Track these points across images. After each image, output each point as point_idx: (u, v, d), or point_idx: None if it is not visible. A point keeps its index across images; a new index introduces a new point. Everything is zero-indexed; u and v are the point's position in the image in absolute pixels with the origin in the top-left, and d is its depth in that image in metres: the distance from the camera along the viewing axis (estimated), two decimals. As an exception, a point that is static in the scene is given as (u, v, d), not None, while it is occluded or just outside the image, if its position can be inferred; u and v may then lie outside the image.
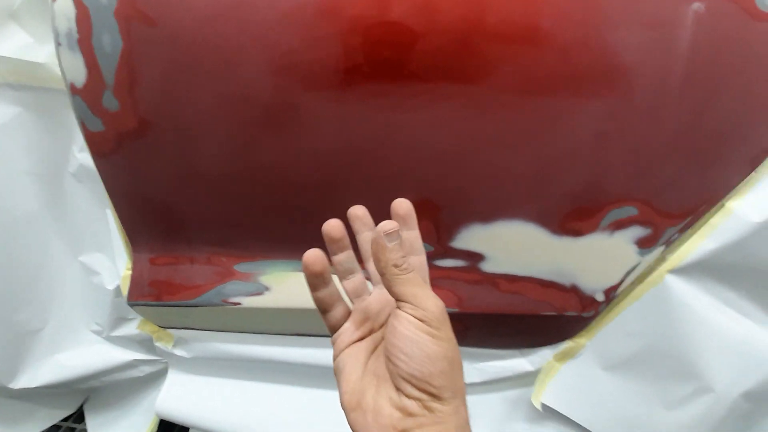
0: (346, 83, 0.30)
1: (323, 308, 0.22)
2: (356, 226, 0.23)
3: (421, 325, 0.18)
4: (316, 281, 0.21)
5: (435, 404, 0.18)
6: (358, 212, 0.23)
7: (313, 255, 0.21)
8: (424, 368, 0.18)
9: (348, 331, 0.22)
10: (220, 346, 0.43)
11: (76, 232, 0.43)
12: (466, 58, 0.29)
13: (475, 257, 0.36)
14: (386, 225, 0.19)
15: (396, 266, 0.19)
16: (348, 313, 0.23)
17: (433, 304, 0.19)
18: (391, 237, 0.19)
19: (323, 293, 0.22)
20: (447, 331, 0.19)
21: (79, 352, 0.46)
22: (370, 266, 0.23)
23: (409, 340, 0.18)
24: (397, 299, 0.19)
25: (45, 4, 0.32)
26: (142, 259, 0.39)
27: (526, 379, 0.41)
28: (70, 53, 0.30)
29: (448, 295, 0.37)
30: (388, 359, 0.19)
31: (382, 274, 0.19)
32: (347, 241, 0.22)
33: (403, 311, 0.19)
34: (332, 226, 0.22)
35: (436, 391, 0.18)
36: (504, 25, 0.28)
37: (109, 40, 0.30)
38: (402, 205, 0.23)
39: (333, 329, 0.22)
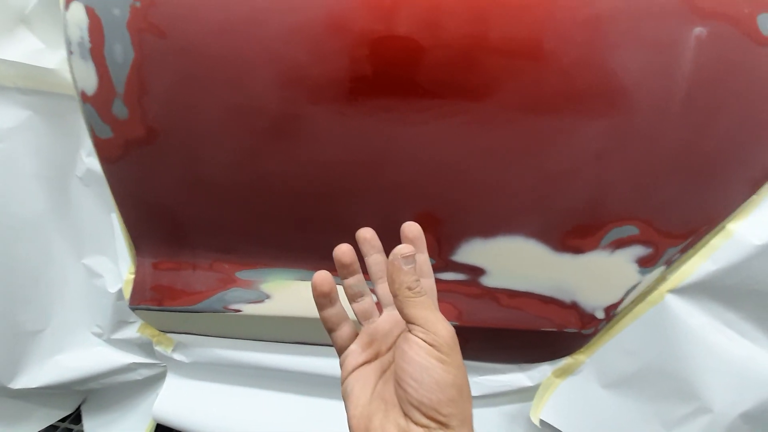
0: (351, 97, 0.30)
1: (329, 327, 0.23)
2: (365, 248, 0.24)
3: (430, 350, 0.18)
4: (324, 301, 0.22)
5: None
6: (367, 235, 0.23)
7: (321, 276, 0.21)
8: (432, 395, 0.18)
9: (354, 352, 0.22)
10: (220, 352, 0.43)
11: (81, 234, 0.43)
12: (470, 74, 0.29)
13: (475, 271, 0.36)
14: (403, 248, 0.20)
15: (409, 288, 0.19)
16: (355, 334, 0.23)
17: (443, 328, 0.19)
18: (407, 260, 0.19)
19: (330, 312, 0.22)
20: (456, 357, 0.19)
21: (79, 353, 0.46)
22: (379, 289, 0.24)
23: (418, 365, 0.18)
24: (408, 322, 0.19)
25: (56, 10, 0.32)
26: (145, 264, 0.40)
27: (525, 394, 0.41)
28: (82, 62, 0.31)
29: (448, 308, 0.37)
30: (398, 384, 0.19)
31: (395, 296, 0.20)
32: (357, 265, 0.23)
33: (413, 335, 0.19)
34: (343, 252, 0.22)
35: (444, 420, 0.18)
36: (507, 43, 0.28)
37: (121, 51, 0.30)
38: (412, 229, 0.23)
39: (340, 350, 0.23)
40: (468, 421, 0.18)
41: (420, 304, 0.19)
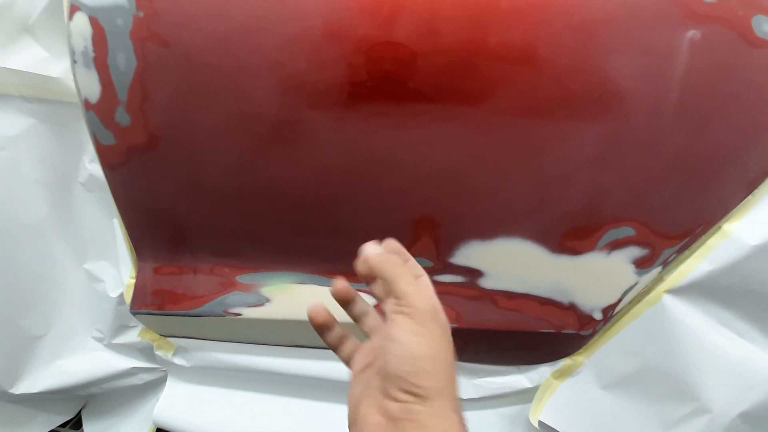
0: (350, 103, 0.30)
1: (333, 347, 0.23)
2: (342, 302, 0.24)
3: (405, 322, 0.18)
4: (322, 329, 0.23)
5: (417, 407, 0.17)
6: (341, 292, 0.23)
7: (315, 310, 0.22)
8: (405, 367, 0.17)
9: (357, 362, 0.22)
10: (220, 356, 0.43)
11: (83, 239, 0.44)
12: (467, 80, 0.29)
13: (474, 273, 0.36)
14: (357, 265, 0.20)
15: (395, 265, 0.19)
16: (358, 344, 0.23)
17: (420, 301, 0.18)
18: (365, 260, 0.20)
19: (331, 336, 0.23)
20: (434, 328, 0.18)
21: (80, 358, 0.46)
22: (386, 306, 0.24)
23: (393, 339, 0.18)
24: (392, 296, 0.19)
25: (60, 19, 0.33)
26: (146, 269, 0.40)
27: (524, 395, 0.41)
28: (86, 71, 0.31)
29: (447, 310, 0.35)
30: (381, 362, 0.19)
31: (385, 294, 0.19)
32: (353, 297, 0.23)
33: (390, 309, 0.19)
34: (317, 313, 0.23)
35: (419, 391, 0.17)
36: (503, 48, 0.29)
37: (124, 59, 0.31)
38: (361, 269, 0.21)
39: (346, 362, 0.23)
40: (445, 392, 0.17)
41: (397, 278, 0.19)
